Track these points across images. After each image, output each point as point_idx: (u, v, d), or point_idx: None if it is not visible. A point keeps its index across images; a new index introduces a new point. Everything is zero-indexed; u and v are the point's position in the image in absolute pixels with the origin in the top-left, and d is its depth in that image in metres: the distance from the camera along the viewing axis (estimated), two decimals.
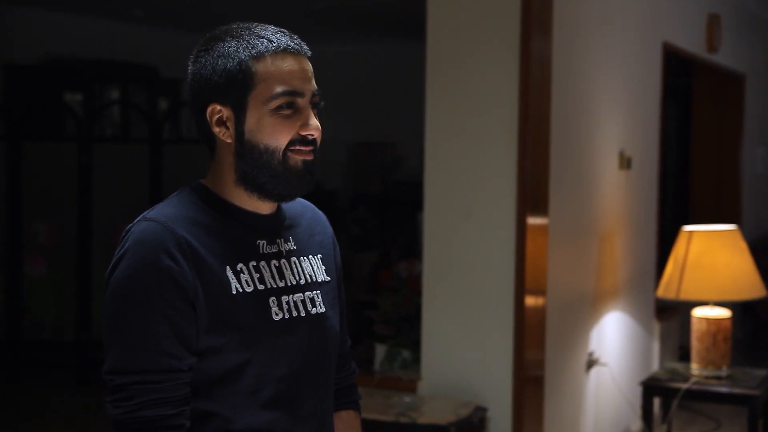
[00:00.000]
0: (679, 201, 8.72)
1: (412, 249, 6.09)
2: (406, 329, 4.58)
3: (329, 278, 1.95)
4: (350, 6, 8.43)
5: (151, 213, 1.79)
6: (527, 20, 4.11)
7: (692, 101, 8.51)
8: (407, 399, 3.96)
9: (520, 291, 4.08)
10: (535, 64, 4.17)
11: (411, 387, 4.24)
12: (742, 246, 4.81)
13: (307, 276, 1.89)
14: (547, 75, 4.32)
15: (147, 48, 9.64)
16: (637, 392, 5.25)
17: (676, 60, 6.99)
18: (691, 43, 6.86)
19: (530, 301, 4.13)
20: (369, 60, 11.17)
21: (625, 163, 5.47)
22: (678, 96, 8.59)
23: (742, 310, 8.37)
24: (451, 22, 4.23)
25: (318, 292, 1.90)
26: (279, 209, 1.90)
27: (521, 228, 4.09)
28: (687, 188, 8.62)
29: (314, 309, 1.87)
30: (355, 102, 10.76)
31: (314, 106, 1.82)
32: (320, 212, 2.05)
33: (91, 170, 7.39)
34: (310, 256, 1.93)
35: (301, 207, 1.99)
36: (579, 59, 4.85)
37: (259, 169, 1.79)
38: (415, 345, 4.41)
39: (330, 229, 2.04)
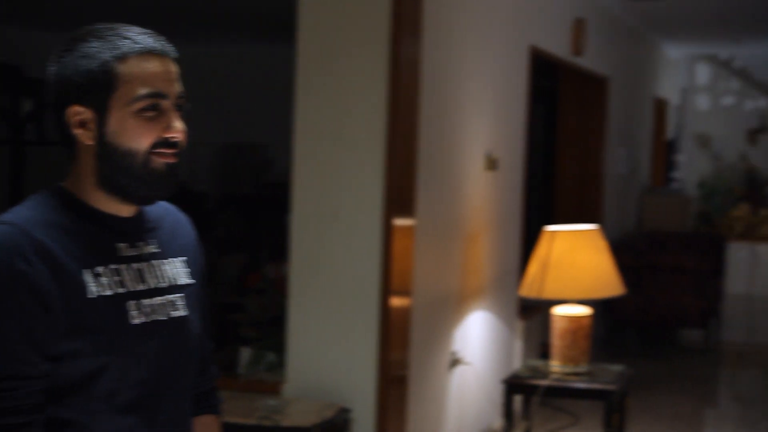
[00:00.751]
0: (546, 201, 8.90)
1: (281, 251, 6.07)
2: (273, 331, 4.57)
3: (191, 281, 1.94)
4: (219, 5, 8.34)
5: (7, 216, 1.75)
6: (397, 23, 4.14)
7: (558, 104, 8.69)
8: (271, 402, 3.95)
9: (386, 292, 4.12)
10: (405, 66, 4.21)
11: (276, 389, 4.24)
12: (603, 245, 4.93)
13: (169, 279, 1.88)
14: (416, 77, 4.37)
15: (9, 47, 9.35)
16: (500, 390, 5.35)
17: (543, 63, 7.13)
18: (557, 46, 7.01)
19: (395, 301, 4.18)
20: (240, 60, 11.07)
21: (492, 164, 5.57)
22: (545, 98, 8.77)
23: (602, 307, 8.62)
24: (322, 23, 4.23)
25: (180, 295, 1.89)
26: (140, 212, 1.88)
27: (387, 229, 4.12)
28: (553, 189, 8.80)
29: (175, 312, 1.86)
30: (225, 103, 10.67)
31: (179, 108, 1.81)
32: (183, 215, 2.03)
33: None
34: (172, 259, 1.91)
35: (163, 210, 1.97)
36: (448, 62, 4.91)
37: (120, 171, 1.77)
38: (282, 347, 4.41)
39: (193, 232, 2.03)
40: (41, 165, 7.52)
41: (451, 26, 4.95)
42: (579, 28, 7.42)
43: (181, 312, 1.87)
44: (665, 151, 12.64)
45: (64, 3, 8.27)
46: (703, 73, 14.95)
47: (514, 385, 4.93)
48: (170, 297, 1.86)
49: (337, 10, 4.22)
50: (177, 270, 1.91)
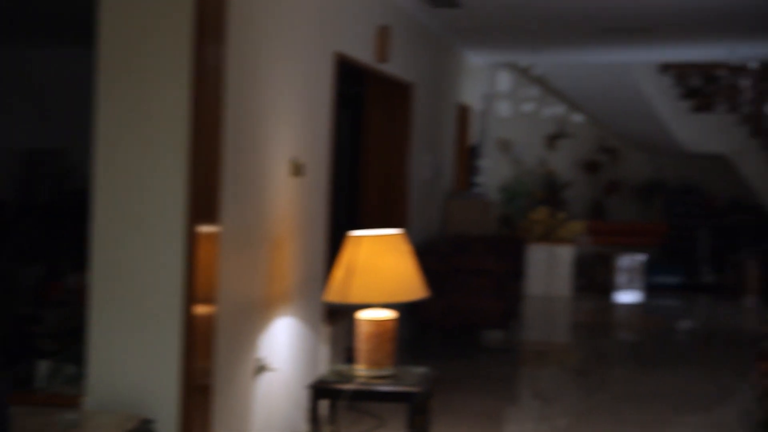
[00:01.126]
0: (353, 206, 8.99)
1: (85, 260, 5.91)
2: (73, 343, 4.45)
3: None
4: (18, 8, 8.06)
5: None
6: (200, 28, 4.10)
7: (364, 110, 8.78)
8: (70, 416, 3.84)
9: (189, 300, 4.07)
10: (208, 72, 4.18)
11: (75, 403, 4.12)
12: (407, 250, 5.02)
13: None
14: (220, 83, 4.34)
15: None
16: (306, 395, 5.37)
17: (349, 69, 7.20)
18: (363, 53, 7.10)
19: (199, 309, 4.14)
20: (40, 65, 10.74)
21: (298, 170, 5.59)
22: (352, 104, 8.86)
23: (407, 311, 8.77)
24: (123, 28, 4.15)
25: None
26: None
27: (191, 236, 4.08)
28: (360, 194, 8.90)
29: None
30: (26, 108, 10.32)
31: None
32: None
33: None
34: None
35: None
36: (253, 68, 4.90)
37: None
38: (82, 359, 4.29)
39: None
40: None
41: (256, 32, 4.94)
42: (383, 35, 7.53)
43: None
44: (469, 156, 12.97)
45: None
46: (504, 81, 15.44)
47: (319, 390, 4.96)
48: None
49: (138, 14, 4.14)
50: None
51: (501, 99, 15.52)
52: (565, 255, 12.62)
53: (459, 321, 8.89)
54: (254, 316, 5.04)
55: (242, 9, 4.68)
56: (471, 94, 13.02)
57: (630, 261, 13.09)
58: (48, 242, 8.75)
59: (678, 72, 14.41)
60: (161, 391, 4.06)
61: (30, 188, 10.66)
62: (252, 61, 4.90)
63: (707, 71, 14.66)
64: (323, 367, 6.23)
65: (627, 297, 12.82)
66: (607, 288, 13.14)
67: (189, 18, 4.09)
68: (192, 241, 4.09)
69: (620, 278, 13.03)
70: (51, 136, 10.66)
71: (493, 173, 15.23)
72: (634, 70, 13.41)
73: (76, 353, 4.38)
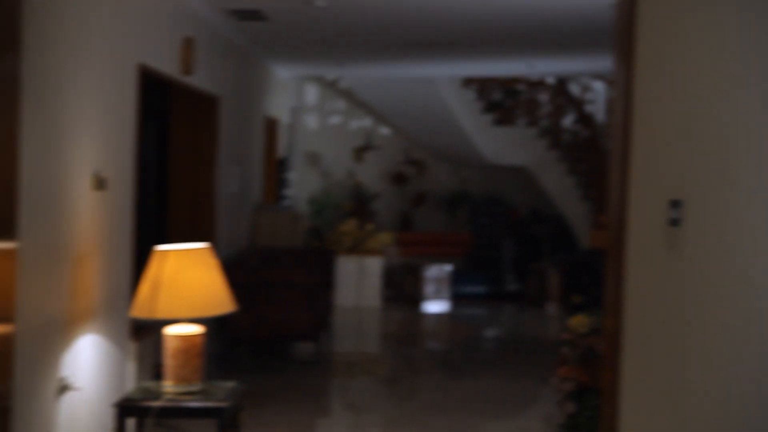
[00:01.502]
0: (161, 221, 8.84)
1: None
2: None
3: None
4: None
5: None
6: None
7: (170, 122, 8.67)
8: None
9: None
10: (3, 82, 4.03)
11: None
12: (214, 263, 4.98)
13: None
14: (16, 94, 4.19)
15: None
16: (113, 414, 5.24)
17: (155, 81, 7.09)
18: (167, 65, 7.00)
19: None
20: None
21: (100, 184, 5.45)
22: (158, 117, 8.71)
23: (217, 325, 8.69)
24: None
25: None
26: None
27: None
28: (167, 208, 8.76)
29: None
30: None
31: None
32: None
33: None
34: None
35: None
36: (51, 79, 4.76)
37: None
38: None
39: None
40: None
41: (56, 42, 4.80)
42: (188, 47, 7.45)
43: None
44: (277, 169, 12.97)
45: None
46: (311, 94, 15.54)
47: (126, 408, 4.86)
48: None
49: None
50: None
51: (309, 112, 15.60)
52: (374, 266, 12.77)
53: (269, 334, 8.86)
54: (56, 335, 4.89)
55: (40, 18, 4.53)
56: (279, 107, 13.03)
57: (437, 271, 13.36)
58: None
59: (480, 86, 14.84)
60: None
61: None
62: (52, 71, 4.75)
63: (507, 85, 15.15)
64: (130, 384, 6.10)
65: (435, 307, 13.07)
66: (415, 298, 13.37)
67: None
68: None
69: (428, 288, 13.28)
70: None
71: (302, 186, 15.29)
72: (438, 83, 13.71)
73: None
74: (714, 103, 3.78)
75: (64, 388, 4.94)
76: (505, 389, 8.26)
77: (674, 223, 3.95)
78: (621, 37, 4.42)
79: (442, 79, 13.79)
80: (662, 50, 4.13)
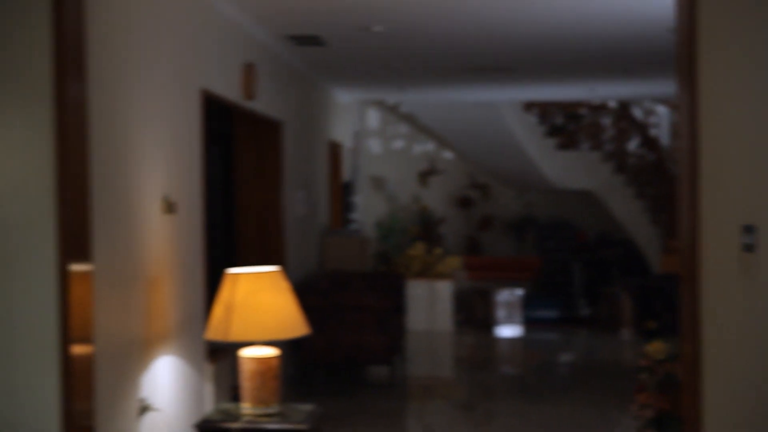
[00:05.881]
0: (228, 244, 8.91)
1: None
2: None
3: None
4: None
5: None
6: (60, 66, 4.00)
7: (234, 147, 8.74)
8: None
9: (65, 340, 3.95)
10: (70, 109, 4.08)
11: None
12: (285, 287, 4.99)
13: None
14: (83, 121, 4.23)
15: None
16: None
17: (218, 106, 7.16)
18: (229, 90, 7.06)
19: (77, 349, 4.01)
20: None
21: (170, 207, 5.50)
22: (222, 141, 8.80)
23: (290, 348, 8.70)
24: None
25: None
26: None
27: (63, 276, 3.97)
28: (236, 231, 8.82)
29: None
30: None
31: None
32: None
33: None
34: None
35: None
36: (117, 105, 4.82)
37: None
38: None
39: None
40: None
41: (120, 70, 4.86)
42: (249, 72, 7.52)
43: None
44: (342, 193, 13.01)
45: None
46: (373, 118, 15.59)
47: (206, 430, 4.88)
48: None
49: None
50: None
51: (371, 136, 15.64)
52: (444, 290, 12.70)
53: (342, 357, 8.86)
54: (134, 356, 4.92)
55: (104, 46, 4.60)
56: (341, 131, 13.08)
57: (508, 295, 13.21)
58: None
59: (541, 110, 14.75)
60: None
61: None
62: (117, 98, 4.81)
63: (569, 109, 15.05)
64: (208, 405, 6.12)
65: (507, 331, 12.94)
66: (487, 322, 13.23)
67: (48, 54, 4.00)
68: (65, 280, 3.98)
69: (499, 312, 13.13)
70: None
71: (368, 210, 15.31)
72: (500, 107, 13.67)
73: None
74: None
75: (144, 408, 4.97)
76: (583, 415, 8.12)
77: (748, 248, 3.81)
78: (682, 61, 4.35)
79: (503, 103, 13.74)
80: (725, 73, 4.04)
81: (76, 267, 4.06)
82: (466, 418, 8.36)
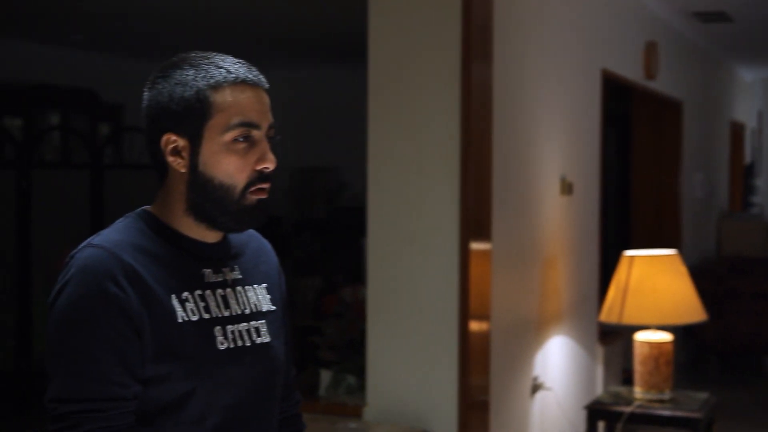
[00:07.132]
0: (621, 226, 8.81)
1: (357, 274, 6.10)
2: (351, 355, 4.57)
3: (274, 307, 1.94)
4: (292, 30, 8.45)
5: (97, 239, 1.76)
6: (467, 47, 4.13)
7: (632, 127, 8.62)
8: (353, 425, 3.94)
9: (464, 316, 4.09)
10: (476, 90, 4.20)
11: (356, 413, 4.23)
12: (683, 270, 4.87)
13: (252, 305, 1.88)
14: (488, 102, 4.35)
15: (87, 72, 9.56)
16: (582, 416, 5.29)
17: (615, 86, 7.08)
18: (630, 70, 6.96)
19: (474, 326, 4.15)
20: (314, 84, 11.17)
21: (567, 188, 5.52)
22: (618, 122, 8.70)
23: (683, 333, 8.48)
24: (393, 48, 4.24)
25: (263, 321, 1.89)
26: (225, 238, 1.89)
27: (464, 254, 4.10)
28: (628, 213, 8.72)
29: (259, 339, 1.86)
30: (299, 127, 10.75)
31: (270, 139, 1.81)
32: (265, 241, 2.04)
33: (30, 196, 7.29)
34: (255, 286, 1.92)
35: (246, 236, 1.97)
36: (520, 86, 4.90)
37: (211, 203, 1.78)
38: (361, 370, 4.40)
39: (275, 258, 2.03)
40: (119, 188, 7.69)
41: (522, 51, 4.93)
42: (651, 51, 7.36)
43: (265, 338, 1.88)
44: (743, 176, 12.43)
45: (143, 31, 8.43)
46: None
47: (597, 412, 4.88)
48: (254, 323, 1.86)
49: (407, 35, 4.23)
50: (260, 297, 1.91)
51: None
52: None
53: (738, 346, 8.51)
54: (528, 334, 5.01)
55: (507, 27, 4.68)
56: (744, 111, 12.50)
57: None
58: (323, 256, 9.03)
59: None
60: (440, 406, 4.09)
61: (304, 205, 11.07)
62: (518, 78, 4.89)
63: None
64: (598, 388, 6.11)
65: None
66: None
67: (458, 36, 4.13)
68: (465, 257, 4.11)
69: None
70: (321, 154, 11.06)
71: None
72: None
73: (354, 365, 4.49)
74: None
75: (536, 387, 5.05)
76: None
77: None
78: None
79: None
80: None
81: (477, 246, 4.19)
82: None
